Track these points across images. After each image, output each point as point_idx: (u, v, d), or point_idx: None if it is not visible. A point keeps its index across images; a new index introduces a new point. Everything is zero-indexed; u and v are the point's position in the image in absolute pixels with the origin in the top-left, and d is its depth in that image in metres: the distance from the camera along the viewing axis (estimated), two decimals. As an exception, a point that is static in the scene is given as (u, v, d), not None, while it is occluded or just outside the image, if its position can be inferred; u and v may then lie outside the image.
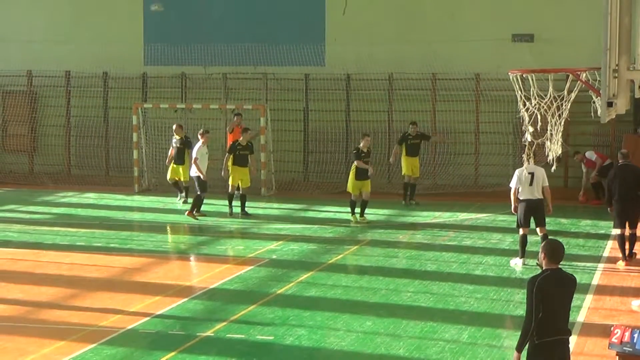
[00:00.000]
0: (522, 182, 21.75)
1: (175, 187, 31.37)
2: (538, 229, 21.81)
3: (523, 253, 21.97)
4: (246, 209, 28.70)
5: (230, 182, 28.60)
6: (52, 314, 18.43)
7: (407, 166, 30.47)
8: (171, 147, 31.12)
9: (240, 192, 28.64)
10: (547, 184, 21.92)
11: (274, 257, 23.47)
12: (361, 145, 27.53)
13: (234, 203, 28.65)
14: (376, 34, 33.81)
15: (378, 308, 19.01)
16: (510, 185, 22.03)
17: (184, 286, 20.52)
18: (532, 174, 21.69)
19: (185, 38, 35.62)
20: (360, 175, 27.21)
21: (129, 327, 17.46)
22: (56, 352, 15.95)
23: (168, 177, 31.19)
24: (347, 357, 15.92)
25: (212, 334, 17.01)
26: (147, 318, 18.02)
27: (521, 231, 21.84)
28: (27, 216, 29.54)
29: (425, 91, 33.51)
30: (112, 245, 25.10)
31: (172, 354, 15.82)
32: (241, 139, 28.76)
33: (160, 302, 19.12)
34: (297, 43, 34.53)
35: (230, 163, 28.54)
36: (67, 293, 20.04)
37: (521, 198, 21.83)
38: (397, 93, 33.86)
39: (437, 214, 29.21)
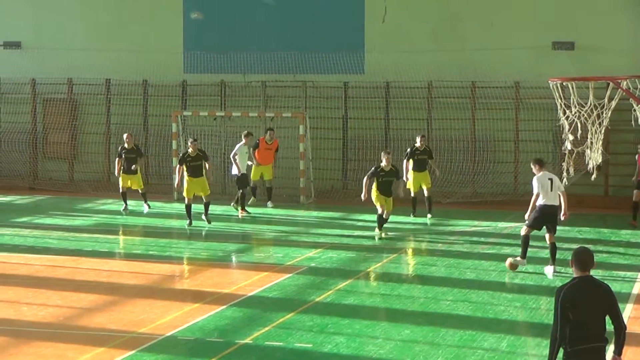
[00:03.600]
0: (545, 188, 21.70)
1: (124, 198, 31.36)
2: (549, 236, 21.76)
3: (525, 254, 22.20)
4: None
5: (184, 194, 28.33)
6: (91, 321, 18.51)
7: (416, 182, 29.59)
8: (118, 158, 31.10)
9: (204, 201, 28.28)
10: (563, 189, 21.86)
11: (313, 264, 23.47)
12: (383, 164, 26.16)
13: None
14: (415, 42, 33.81)
15: (417, 316, 18.98)
16: (536, 190, 21.84)
17: (222, 294, 20.55)
18: (551, 180, 21.63)
19: (225, 46, 35.72)
20: (383, 190, 26.18)
21: (168, 334, 17.50)
22: (96, 358, 16.01)
23: (121, 186, 31.21)
24: (385, 366, 15.94)
25: (251, 342, 17.02)
26: (186, 325, 18.06)
27: (526, 231, 21.94)
28: (67, 223, 29.69)
29: (464, 99, 33.47)
30: (151, 252, 25.21)
31: (211, 361, 15.91)
32: (190, 150, 28.10)
33: (199, 310, 19.16)
34: (336, 51, 34.57)
35: (185, 174, 28.28)
36: (106, 300, 20.12)
37: (542, 203, 21.75)
38: (436, 101, 33.84)
39: (476, 222, 29.13)
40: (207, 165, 28.28)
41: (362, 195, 26.08)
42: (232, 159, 30.76)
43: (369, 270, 22.96)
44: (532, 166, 22.29)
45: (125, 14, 36.79)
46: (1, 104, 38.14)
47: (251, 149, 31.72)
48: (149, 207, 31.16)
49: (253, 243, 26.70)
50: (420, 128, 33.54)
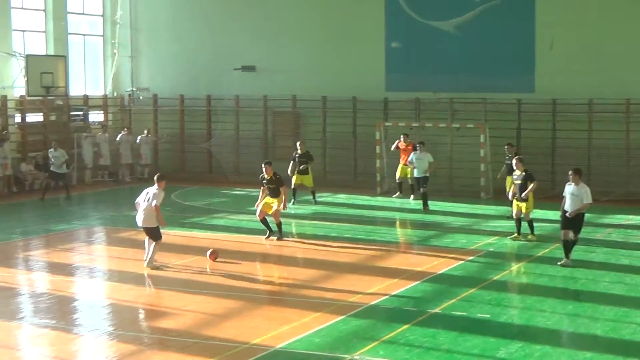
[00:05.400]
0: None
1: (294, 193, 31.16)
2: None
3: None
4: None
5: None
6: (310, 291, 18.74)
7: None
8: (293, 161, 31.28)
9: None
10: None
11: (491, 249, 23.20)
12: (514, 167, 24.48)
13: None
14: (578, 66, 32.98)
15: (578, 294, 18.67)
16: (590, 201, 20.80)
17: (416, 271, 20.51)
18: None
19: (419, 69, 35.62)
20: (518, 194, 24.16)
21: (372, 303, 17.59)
22: (313, 321, 16.22)
23: (293, 184, 31.07)
24: (551, 335, 15.65)
25: (440, 311, 16.97)
26: (386, 296, 18.12)
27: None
28: (292, 212, 29.98)
29: (619, 114, 32.44)
30: (359, 236, 25.31)
31: (407, 326, 15.87)
32: (266, 174, 24.50)
33: (397, 284, 19.19)
34: (511, 74, 34.08)
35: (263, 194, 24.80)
36: (322, 274, 20.34)
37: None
38: (595, 115, 32.92)
39: (630, 216, 28.22)
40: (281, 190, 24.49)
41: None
42: (409, 164, 30.66)
43: (538, 255, 22.53)
44: (578, 176, 20.86)
45: (339, 43, 37.01)
46: (240, 115, 38.90)
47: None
48: (315, 202, 31.15)
49: (442, 230, 26.49)
50: (582, 138, 32.79)
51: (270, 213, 24.39)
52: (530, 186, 23.83)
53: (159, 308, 17.45)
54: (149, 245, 20.90)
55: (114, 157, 38.52)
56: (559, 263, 20.84)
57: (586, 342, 15.29)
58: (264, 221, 24.45)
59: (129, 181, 37.78)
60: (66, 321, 16.64)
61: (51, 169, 33.10)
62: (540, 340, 15.11)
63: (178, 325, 16.12)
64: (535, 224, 24.51)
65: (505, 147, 28.99)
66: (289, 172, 31.12)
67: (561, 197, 21.07)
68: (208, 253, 21.59)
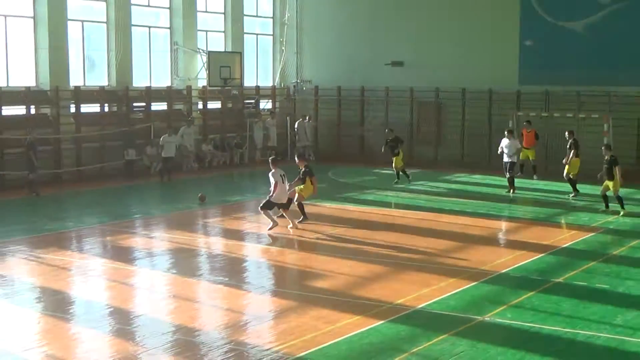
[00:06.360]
0: None
1: (397, 174, 30.93)
2: None
3: None
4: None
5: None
6: (447, 259, 18.63)
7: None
8: (385, 145, 31.32)
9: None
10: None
11: (611, 227, 22.54)
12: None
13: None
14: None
15: (692, 269, 17.99)
16: None
17: (542, 244, 20.10)
18: None
19: (549, 65, 34.78)
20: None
21: (502, 271, 17.38)
22: (449, 285, 16.15)
23: (394, 166, 30.87)
24: (665, 305, 15.15)
25: (562, 281, 16.63)
26: (515, 265, 17.87)
27: None
28: (432, 189, 29.84)
29: None
30: (491, 212, 24.99)
31: (532, 293, 15.63)
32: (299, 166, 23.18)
33: (524, 255, 18.88)
34: (634, 69, 32.90)
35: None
36: (457, 245, 20.17)
37: None
38: None
39: None
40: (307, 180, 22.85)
41: None
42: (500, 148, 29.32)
43: (656, 232, 21.80)
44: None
45: (477, 41, 36.52)
46: (389, 104, 38.83)
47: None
48: (409, 181, 30.60)
49: (567, 209, 25.86)
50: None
51: (304, 195, 22.98)
52: (617, 169, 23.91)
53: (315, 270, 17.64)
54: (287, 214, 22.10)
55: (281, 139, 39.09)
56: None
57: (698, 312, 14.77)
58: (300, 206, 22.79)
59: (312, 159, 37.59)
60: (237, 279, 17.04)
61: (162, 154, 31.96)
62: (655, 310, 14.67)
63: (331, 285, 16.28)
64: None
65: (566, 133, 28.40)
66: (382, 150, 31.83)
67: None
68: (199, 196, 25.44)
